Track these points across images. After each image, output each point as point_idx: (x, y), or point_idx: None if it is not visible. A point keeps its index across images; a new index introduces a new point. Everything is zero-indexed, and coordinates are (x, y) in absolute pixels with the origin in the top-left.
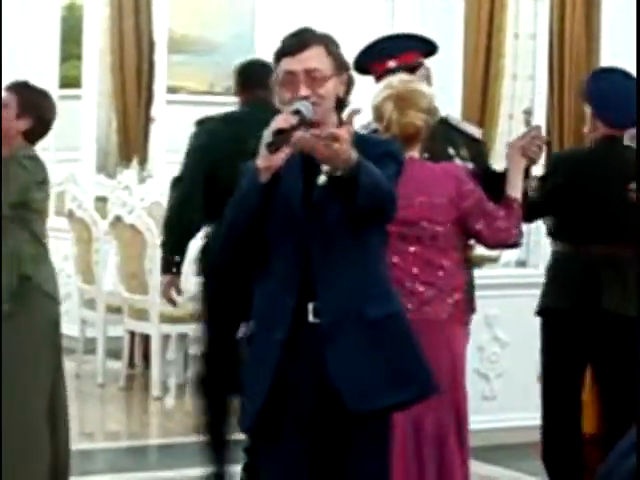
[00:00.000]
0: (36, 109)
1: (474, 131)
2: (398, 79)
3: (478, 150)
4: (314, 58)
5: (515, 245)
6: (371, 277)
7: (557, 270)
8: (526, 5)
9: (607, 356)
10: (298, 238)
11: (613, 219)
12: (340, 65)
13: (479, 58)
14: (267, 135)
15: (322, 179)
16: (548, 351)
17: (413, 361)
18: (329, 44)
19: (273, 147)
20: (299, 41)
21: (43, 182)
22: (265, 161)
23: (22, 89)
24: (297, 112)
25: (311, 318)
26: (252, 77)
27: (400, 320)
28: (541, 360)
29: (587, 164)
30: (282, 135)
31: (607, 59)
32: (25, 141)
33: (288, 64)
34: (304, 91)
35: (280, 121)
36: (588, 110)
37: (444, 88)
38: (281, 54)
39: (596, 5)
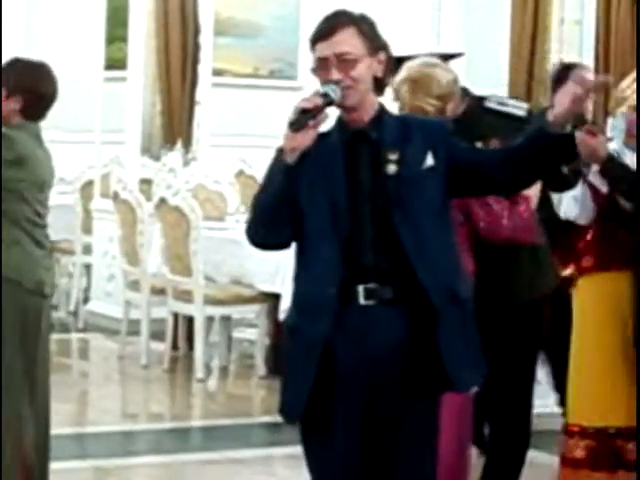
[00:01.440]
0: (27, 85)
1: (517, 109)
2: (419, 62)
3: (520, 130)
4: (344, 41)
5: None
6: (456, 258)
7: None
8: None
9: None
10: (342, 225)
11: None
12: (375, 45)
13: (525, 42)
14: (291, 114)
15: (392, 168)
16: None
17: (478, 344)
18: (361, 25)
19: (295, 126)
20: (328, 25)
21: (15, 161)
22: (290, 141)
23: (11, 67)
24: (324, 95)
25: (362, 301)
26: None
27: (470, 302)
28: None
29: None
30: (306, 115)
31: None
32: (24, 119)
33: (320, 50)
34: (335, 75)
35: (305, 101)
36: None
37: (491, 71)
38: (314, 40)
39: None
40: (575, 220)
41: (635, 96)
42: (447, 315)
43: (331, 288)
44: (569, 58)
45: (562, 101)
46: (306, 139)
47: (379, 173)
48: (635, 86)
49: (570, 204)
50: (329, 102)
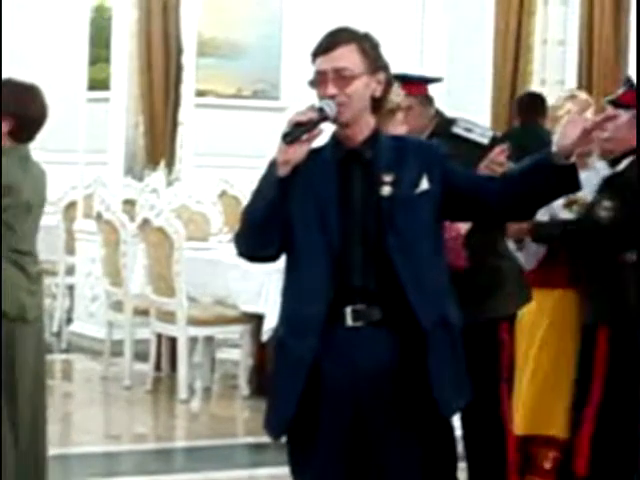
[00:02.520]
0: (17, 107)
1: (481, 137)
2: None
3: (481, 157)
4: (343, 57)
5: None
6: (445, 282)
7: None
8: (555, 11)
9: None
10: (332, 244)
11: None
12: (375, 64)
13: (507, 62)
14: (286, 127)
15: (386, 190)
16: None
17: (464, 369)
18: (363, 42)
19: (288, 138)
20: (330, 40)
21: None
22: (283, 154)
23: (1, 88)
24: (320, 110)
25: (349, 322)
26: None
27: (460, 328)
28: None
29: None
30: (299, 129)
31: (635, 66)
32: (13, 141)
33: (319, 63)
34: (331, 90)
35: (300, 115)
36: (624, 115)
37: (473, 92)
38: (315, 53)
39: (625, 11)
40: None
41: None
42: (437, 339)
43: (318, 307)
44: (552, 78)
45: (570, 133)
46: (299, 153)
47: (372, 194)
48: (568, 106)
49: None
50: (324, 117)
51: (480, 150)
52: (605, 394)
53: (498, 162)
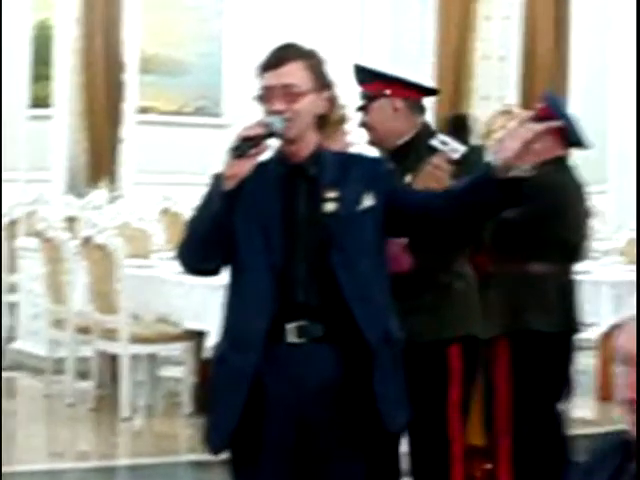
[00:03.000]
0: None
1: (454, 152)
2: None
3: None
4: (291, 73)
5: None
6: (389, 298)
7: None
8: (496, 27)
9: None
10: (275, 259)
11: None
12: (322, 82)
13: (449, 78)
14: (233, 141)
15: (330, 206)
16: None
17: (405, 385)
18: (311, 59)
19: (236, 152)
20: (278, 56)
21: None
22: (230, 168)
23: None
24: (267, 125)
25: (291, 338)
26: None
27: (401, 343)
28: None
29: (553, 185)
30: (247, 143)
31: (577, 81)
32: None
33: (267, 79)
34: (278, 105)
35: (248, 129)
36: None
37: None
38: (262, 68)
39: (566, 27)
40: None
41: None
42: (381, 355)
43: (261, 323)
44: (493, 94)
45: (510, 146)
46: (246, 167)
47: (316, 210)
48: (501, 121)
49: None
50: (272, 132)
51: (452, 165)
52: (514, 404)
53: (438, 165)
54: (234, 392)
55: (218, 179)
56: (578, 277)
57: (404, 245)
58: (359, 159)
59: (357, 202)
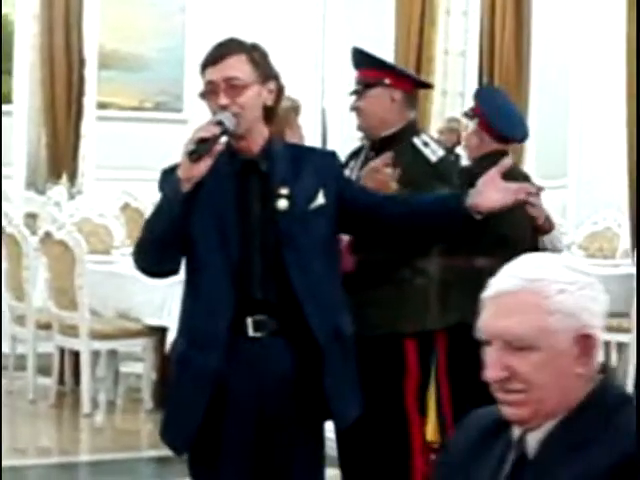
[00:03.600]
0: None
1: (432, 154)
2: None
3: (425, 173)
4: (233, 66)
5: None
6: (341, 295)
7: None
8: (456, 21)
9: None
10: (231, 256)
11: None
12: (266, 73)
13: None
14: (188, 144)
15: (282, 204)
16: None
17: (357, 380)
18: (252, 52)
19: (195, 156)
20: (219, 51)
21: None
22: (187, 171)
23: None
24: (220, 123)
25: (251, 332)
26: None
27: (353, 338)
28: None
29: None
30: (204, 145)
31: (537, 76)
32: None
33: (209, 74)
34: (223, 100)
35: (202, 130)
36: (471, 125)
37: None
38: (204, 64)
39: (526, 21)
40: None
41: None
42: (331, 353)
43: (222, 321)
44: (453, 89)
45: (493, 199)
46: (202, 168)
47: (269, 207)
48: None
49: None
50: (224, 131)
51: (427, 166)
52: (454, 399)
53: (376, 169)
54: (197, 392)
55: (165, 175)
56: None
57: (347, 245)
58: (310, 153)
59: (309, 199)
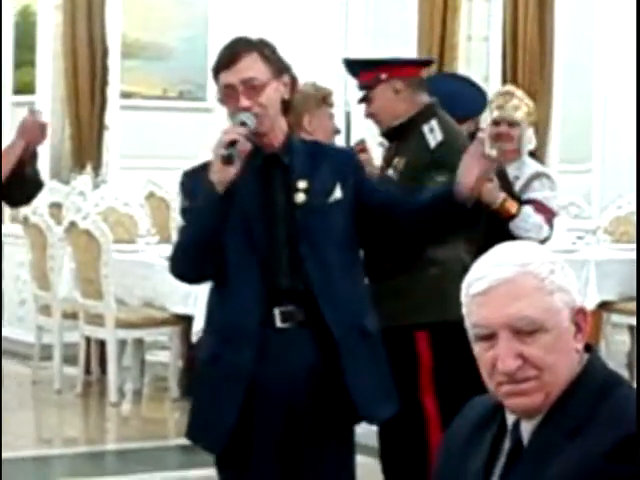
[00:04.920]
0: None
1: (432, 140)
2: None
3: (424, 161)
4: (249, 67)
5: None
6: (362, 292)
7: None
8: (479, 7)
9: None
10: (258, 250)
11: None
12: (279, 67)
13: None
14: (219, 148)
15: (300, 197)
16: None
17: (391, 378)
18: (263, 49)
19: (228, 160)
20: (231, 53)
21: None
22: (220, 174)
23: None
24: (243, 124)
25: (279, 324)
26: None
27: (380, 336)
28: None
29: None
30: (234, 147)
31: (560, 61)
32: None
33: (225, 78)
34: (244, 102)
35: (230, 133)
36: None
37: None
38: (217, 69)
39: (549, 7)
40: None
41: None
42: (350, 348)
43: (253, 315)
44: (477, 75)
45: (468, 178)
46: (235, 169)
47: (289, 200)
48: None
49: None
50: (249, 131)
51: (427, 152)
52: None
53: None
54: (231, 391)
55: (187, 178)
56: (563, 256)
57: None
58: (329, 151)
59: (326, 194)
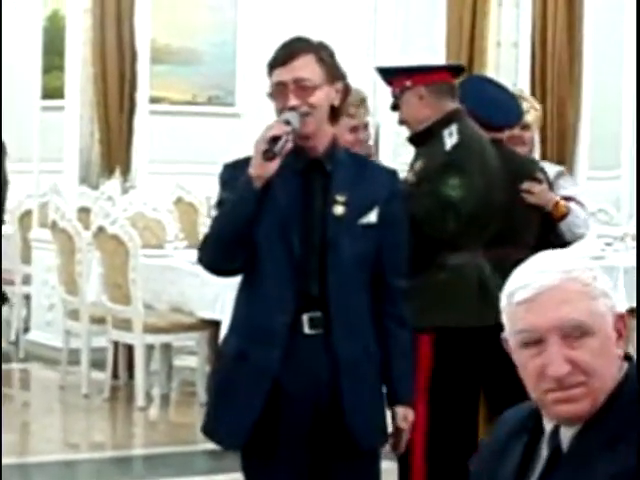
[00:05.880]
0: None
1: (448, 143)
2: None
3: (439, 164)
4: (303, 67)
5: None
6: (369, 314)
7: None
8: (508, 13)
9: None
10: (293, 252)
11: (505, 223)
12: (333, 73)
13: None
14: (261, 143)
15: (339, 210)
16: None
17: (382, 404)
18: (321, 52)
19: (269, 155)
20: (288, 51)
21: None
22: (260, 168)
23: None
24: (287, 122)
25: (307, 330)
26: None
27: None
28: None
29: None
30: (276, 143)
31: (589, 67)
32: None
33: (278, 75)
34: (293, 101)
35: (274, 129)
36: None
37: None
38: (272, 65)
39: (578, 13)
40: None
41: None
42: (355, 368)
43: (282, 317)
44: (506, 81)
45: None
46: (274, 165)
47: (327, 208)
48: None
49: None
50: (293, 130)
51: (442, 155)
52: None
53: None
54: (255, 388)
55: (227, 170)
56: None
57: None
58: (374, 167)
59: (362, 213)
